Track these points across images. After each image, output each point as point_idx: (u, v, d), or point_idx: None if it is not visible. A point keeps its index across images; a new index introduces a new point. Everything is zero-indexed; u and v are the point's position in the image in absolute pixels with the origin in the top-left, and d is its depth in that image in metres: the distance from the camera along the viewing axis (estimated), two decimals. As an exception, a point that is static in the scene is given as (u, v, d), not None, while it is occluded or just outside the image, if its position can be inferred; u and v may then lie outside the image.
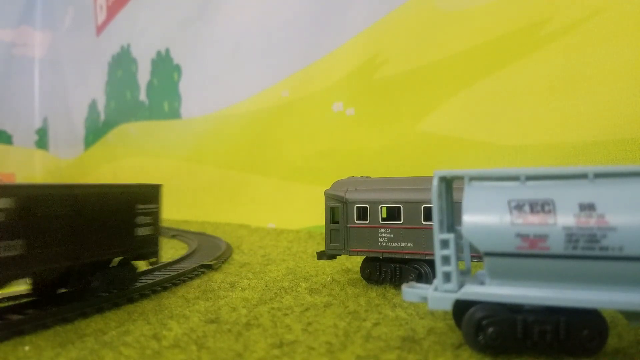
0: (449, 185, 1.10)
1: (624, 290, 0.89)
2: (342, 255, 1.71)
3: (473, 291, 0.98)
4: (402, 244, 1.57)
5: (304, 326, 1.20)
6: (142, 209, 1.60)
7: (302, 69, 3.84)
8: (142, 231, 1.60)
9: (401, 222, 1.56)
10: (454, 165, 2.68)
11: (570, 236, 0.89)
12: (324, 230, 1.73)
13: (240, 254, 2.60)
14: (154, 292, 1.64)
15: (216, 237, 3.28)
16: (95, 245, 1.42)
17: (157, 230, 1.68)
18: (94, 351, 1.06)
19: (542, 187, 0.95)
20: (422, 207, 1.52)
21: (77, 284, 1.44)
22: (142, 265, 1.70)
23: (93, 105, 8.03)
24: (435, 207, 1.02)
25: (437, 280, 1.02)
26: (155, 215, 1.67)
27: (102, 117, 7.74)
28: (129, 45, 6.74)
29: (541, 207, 0.92)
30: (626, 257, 0.87)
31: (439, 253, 1.01)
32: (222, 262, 2.26)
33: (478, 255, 1.05)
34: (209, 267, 2.07)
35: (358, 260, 1.85)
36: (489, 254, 0.96)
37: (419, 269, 1.58)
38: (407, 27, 3.02)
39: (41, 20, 9.89)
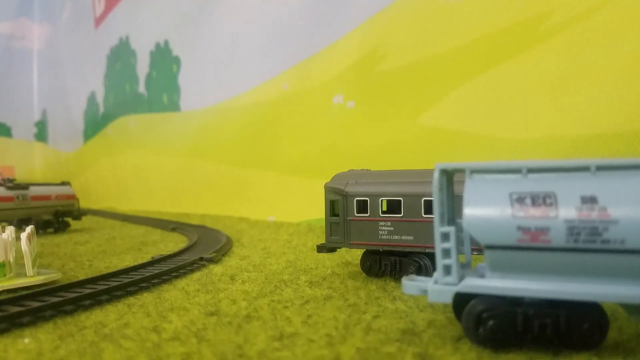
0: (450, 178, 1.10)
1: (625, 283, 0.88)
2: (342, 248, 1.70)
3: (473, 284, 0.98)
4: (403, 237, 1.56)
5: (304, 319, 1.20)
6: None
7: (302, 62, 3.82)
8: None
9: (401, 215, 1.56)
10: (455, 158, 2.66)
11: (572, 229, 0.89)
12: (324, 223, 1.73)
13: (240, 247, 2.60)
14: (154, 284, 1.64)
15: (216, 230, 3.28)
16: None
17: None
18: (94, 343, 1.06)
19: (543, 180, 0.94)
20: (423, 200, 1.52)
21: None
22: (143, 257, 1.70)
23: (92, 98, 8.00)
24: (436, 200, 1.02)
25: (438, 273, 1.02)
26: None
27: (101, 109, 7.71)
28: (127, 37, 6.71)
29: (543, 200, 0.92)
30: (628, 250, 0.86)
31: (439, 246, 1.01)
32: (222, 255, 2.26)
33: (479, 248, 1.04)
34: (209, 260, 2.07)
35: (358, 253, 1.85)
36: (489, 247, 0.96)
37: (419, 261, 1.57)
38: (407, 20, 3.00)
39: (39, 12, 9.83)
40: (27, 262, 1.66)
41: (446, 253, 1.01)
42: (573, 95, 2.21)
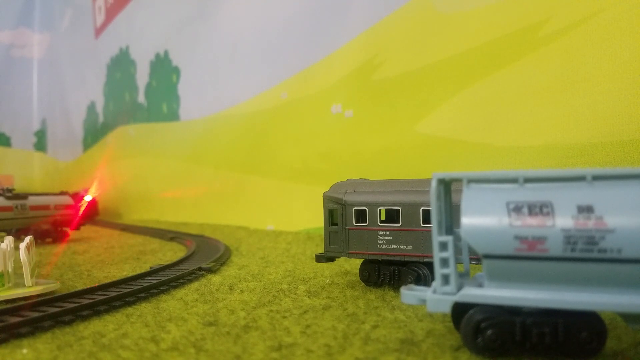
0: (448, 187, 1.10)
1: (623, 292, 0.89)
2: (341, 257, 1.70)
3: (471, 293, 0.98)
4: (401, 247, 1.57)
5: (302, 329, 1.20)
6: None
7: (301, 71, 3.84)
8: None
9: (400, 224, 1.56)
10: (453, 166, 2.68)
11: (569, 238, 0.89)
12: (322, 232, 1.73)
13: (239, 256, 2.59)
14: (152, 294, 1.63)
15: (215, 239, 3.27)
16: None
17: None
18: (92, 354, 1.05)
19: (540, 189, 0.95)
20: (421, 210, 1.52)
21: None
22: (142, 267, 1.70)
23: (92, 107, 8.03)
24: (433, 209, 1.02)
25: (436, 283, 1.02)
26: None
27: (101, 119, 7.73)
28: (127, 47, 6.75)
29: (539, 209, 0.92)
30: (625, 259, 0.86)
31: (437, 255, 1.01)
32: (221, 265, 2.26)
33: (477, 258, 1.05)
34: (208, 270, 2.06)
35: (357, 262, 1.85)
36: (487, 256, 0.96)
37: (418, 271, 1.58)
38: (405, 29, 3.03)
39: (39, 21, 9.89)
40: (26, 272, 1.65)
41: (444, 262, 1.01)
42: (570, 102, 2.22)
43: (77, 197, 5.92)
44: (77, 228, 3.97)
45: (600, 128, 2.12)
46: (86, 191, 6.42)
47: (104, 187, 6.84)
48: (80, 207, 4.97)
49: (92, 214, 6.15)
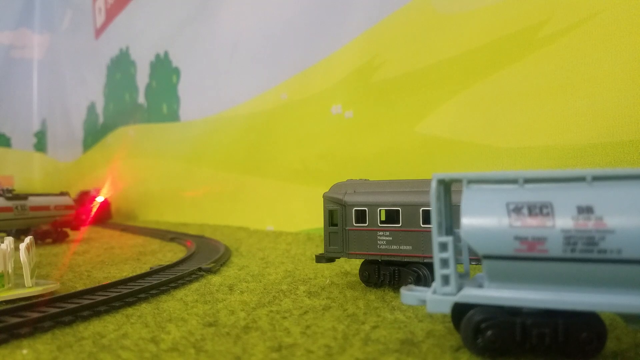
0: (448, 187, 1.10)
1: (623, 292, 0.89)
2: (341, 258, 1.70)
3: (471, 294, 0.98)
4: (401, 247, 1.57)
5: (302, 329, 1.20)
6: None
7: (300, 72, 3.84)
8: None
9: (400, 225, 1.56)
10: (452, 167, 2.68)
11: (569, 239, 0.89)
12: (322, 233, 1.73)
13: (238, 256, 2.59)
14: (152, 295, 1.63)
15: (215, 240, 3.27)
16: None
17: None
18: (92, 354, 1.05)
19: (540, 189, 0.95)
20: (421, 210, 1.52)
21: None
22: (142, 267, 1.70)
23: (92, 108, 8.03)
24: (433, 209, 1.02)
25: (436, 283, 1.02)
26: None
27: (101, 119, 7.73)
28: (127, 48, 6.75)
29: (539, 209, 0.92)
30: (624, 260, 0.87)
31: (437, 256, 1.01)
32: (221, 265, 2.26)
33: (477, 258, 1.05)
34: (208, 270, 2.06)
35: (357, 263, 1.85)
36: (487, 257, 0.96)
37: (418, 271, 1.57)
38: (405, 30, 3.03)
39: (39, 22, 9.89)
40: (26, 272, 1.65)
41: (444, 263, 1.01)
42: (570, 103, 2.23)
43: (88, 197, 5.85)
44: (77, 229, 3.97)
45: (600, 129, 2.12)
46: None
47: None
48: (92, 207, 4.93)
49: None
